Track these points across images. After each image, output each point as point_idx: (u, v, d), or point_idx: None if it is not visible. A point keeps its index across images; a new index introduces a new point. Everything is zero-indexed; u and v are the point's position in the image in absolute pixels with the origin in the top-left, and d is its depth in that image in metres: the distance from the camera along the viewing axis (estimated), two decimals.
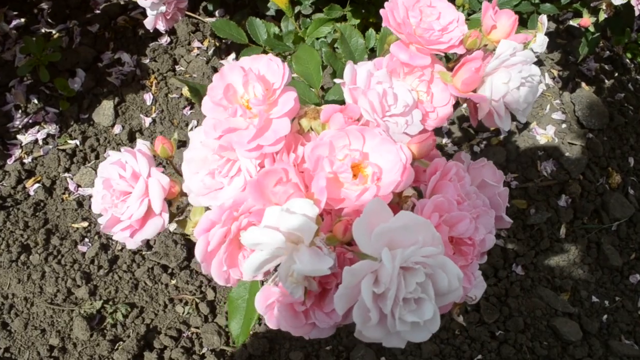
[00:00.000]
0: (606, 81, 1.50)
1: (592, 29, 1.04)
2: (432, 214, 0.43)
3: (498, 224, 0.56)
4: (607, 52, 1.54)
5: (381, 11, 0.55)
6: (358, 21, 1.16)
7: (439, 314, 0.38)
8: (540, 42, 0.95)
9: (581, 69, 1.48)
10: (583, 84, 1.47)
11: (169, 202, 0.56)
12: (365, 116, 0.50)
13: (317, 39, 0.87)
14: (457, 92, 0.53)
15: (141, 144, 0.56)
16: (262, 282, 0.54)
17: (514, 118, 0.57)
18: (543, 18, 0.96)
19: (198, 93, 0.66)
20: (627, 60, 1.56)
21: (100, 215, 0.56)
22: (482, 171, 0.58)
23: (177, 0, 1.02)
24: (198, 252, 0.48)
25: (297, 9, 1.23)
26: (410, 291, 0.37)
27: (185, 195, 0.55)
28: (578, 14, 1.14)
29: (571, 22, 1.08)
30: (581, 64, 1.48)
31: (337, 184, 0.46)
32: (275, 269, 0.44)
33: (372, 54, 1.16)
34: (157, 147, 0.56)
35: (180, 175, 0.56)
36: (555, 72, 1.48)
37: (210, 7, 1.40)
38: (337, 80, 0.59)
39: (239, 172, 0.51)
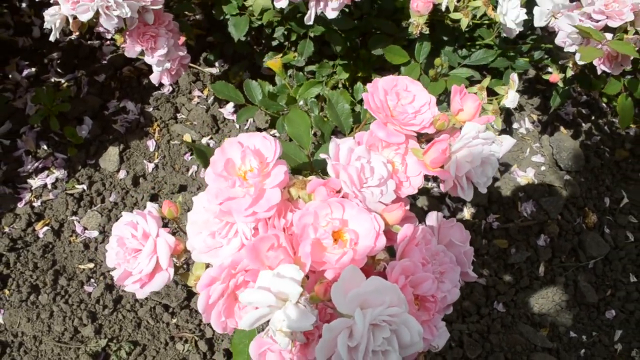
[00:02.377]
0: (583, 124, 1.59)
1: (561, 84, 1.13)
2: (399, 277, 0.51)
3: (464, 278, 0.64)
4: (584, 96, 1.63)
5: (363, 95, 0.64)
6: (347, 75, 1.26)
7: None
8: (511, 98, 1.04)
9: (559, 113, 1.57)
10: (561, 128, 1.56)
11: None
12: (344, 188, 0.58)
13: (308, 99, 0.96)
14: (426, 169, 0.61)
15: (150, 206, 0.64)
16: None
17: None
18: (514, 76, 1.06)
19: (203, 155, 0.74)
20: (603, 104, 1.65)
21: (113, 268, 0.63)
22: (450, 231, 0.67)
23: (181, 57, 1.12)
24: (200, 304, 0.56)
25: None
26: (378, 344, 0.44)
27: (189, 251, 0.63)
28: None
29: (543, 77, 1.17)
30: (559, 109, 1.57)
31: (320, 248, 0.54)
32: (267, 322, 0.51)
33: (360, 103, 1.25)
34: (165, 209, 0.64)
35: (184, 233, 0.64)
36: (535, 117, 1.57)
37: (211, 58, 1.49)
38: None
39: (236, 234, 0.59)
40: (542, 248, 1.35)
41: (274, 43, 1.34)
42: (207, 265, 0.61)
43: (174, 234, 0.63)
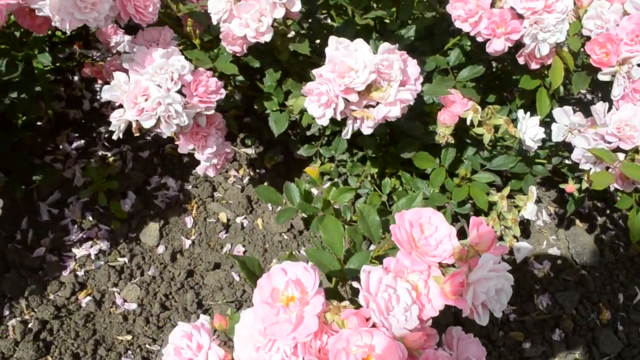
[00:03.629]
0: (598, 218, 1.65)
1: (576, 193, 1.21)
2: None
3: None
4: None
5: (391, 227, 0.73)
6: (376, 170, 1.35)
7: None
8: (530, 210, 1.12)
9: None
10: (577, 221, 1.63)
11: None
12: (373, 317, 0.66)
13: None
14: (445, 297, 0.69)
15: (203, 318, 0.73)
16: None
17: None
18: (533, 189, 1.14)
19: (246, 266, 0.83)
20: (618, 196, 1.71)
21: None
22: (468, 347, 0.74)
23: (226, 153, 1.22)
24: None
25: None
26: None
27: None
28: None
29: (560, 186, 1.25)
30: None
31: None
32: None
33: (388, 196, 1.34)
34: (216, 322, 0.72)
35: (232, 342, 0.72)
36: (552, 209, 1.64)
37: (248, 141, 1.60)
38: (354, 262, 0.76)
39: (277, 351, 0.67)
40: (557, 343, 1.40)
41: (309, 133, 1.45)
42: None
43: (224, 342, 0.72)
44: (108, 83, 1.13)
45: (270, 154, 1.54)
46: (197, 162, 1.37)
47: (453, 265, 0.75)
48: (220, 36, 1.18)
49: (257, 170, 1.60)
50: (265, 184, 1.57)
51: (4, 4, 0.91)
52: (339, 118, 0.96)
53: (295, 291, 0.65)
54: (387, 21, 1.13)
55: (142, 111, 1.02)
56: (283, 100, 1.31)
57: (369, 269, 0.71)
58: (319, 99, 0.95)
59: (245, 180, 1.59)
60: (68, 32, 1.00)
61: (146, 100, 1.02)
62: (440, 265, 0.73)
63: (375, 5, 1.21)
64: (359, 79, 0.91)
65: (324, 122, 0.98)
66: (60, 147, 1.65)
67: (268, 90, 1.31)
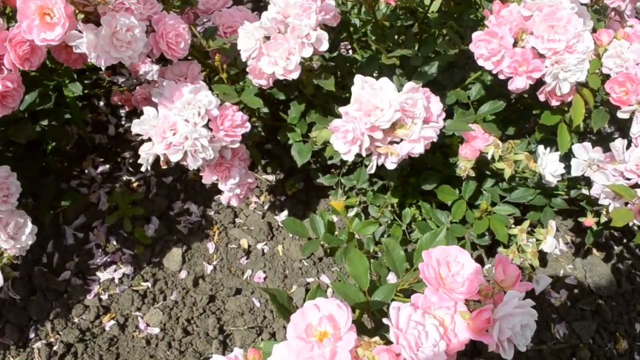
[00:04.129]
0: (615, 247, 1.67)
1: (594, 227, 1.22)
2: None
3: None
4: None
5: (419, 265, 0.75)
6: (397, 200, 1.38)
7: None
8: (549, 243, 1.14)
9: None
10: (594, 250, 1.64)
11: None
12: (403, 353, 0.68)
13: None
14: (471, 333, 0.72)
15: (237, 351, 0.75)
16: None
17: None
18: (552, 223, 1.16)
19: (276, 299, 0.86)
20: (636, 228, 1.73)
21: None
22: None
23: (249, 183, 1.26)
24: None
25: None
26: None
27: None
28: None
29: (579, 219, 1.27)
30: None
31: None
32: None
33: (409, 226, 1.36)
34: (249, 356, 0.75)
35: None
36: (569, 238, 1.66)
37: (269, 168, 1.64)
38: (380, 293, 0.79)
39: None
40: None
41: (330, 162, 1.48)
42: None
43: None
44: (135, 110, 1.17)
45: (292, 182, 1.57)
46: (219, 190, 1.40)
47: (479, 301, 0.77)
48: (247, 69, 1.22)
49: (278, 197, 1.64)
50: (286, 212, 1.60)
51: (45, 43, 0.95)
52: (364, 154, 0.99)
53: (328, 327, 0.68)
54: (409, 55, 1.16)
55: (170, 145, 1.06)
56: (306, 132, 1.34)
57: (398, 305, 0.73)
58: (345, 136, 0.98)
59: (266, 206, 1.62)
60: (103, 68, 1.04)
61: (174, 134, 1.06)
62: (466, 301, 0.76)
63: (398, 39, 1.24)
64: (385, 117, 0.94)
65: (349, 157, 1.01)
66: (86, 171, 1.69)
67: (291, 122, 1.35)
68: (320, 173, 1.50)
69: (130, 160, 1.72)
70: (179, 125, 1.05)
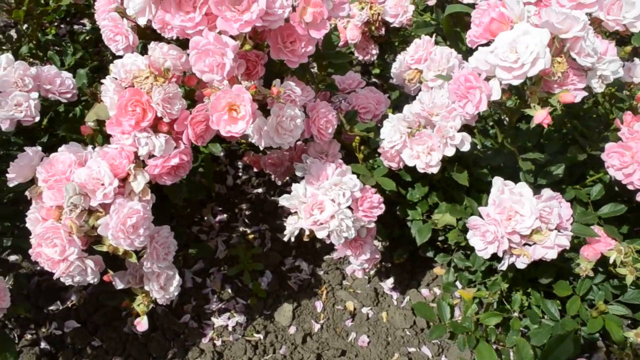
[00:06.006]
0: None
1: None
2: None
3: None
4: None
5: None
6: (506, 285, 1.43)
7: None
8: None
9: None
10: None
11: None
12: None
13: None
14: None
15: None
16: None
17: None
18: None
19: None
20: None
21: None
22: None
23: (375, 258, 1.34)
24: None
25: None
26: None
27: None
28: None
29: None
30: None
31: None
32: None
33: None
34: None
35: None
36: None
37: (378, 237, 1.72)
38: None
39: None
40: None
41: (441, 238, 1.55)
42: None
43: None
44: (261, 170, 1.29)
45: (400, 252, 1.65)
46: (329, 247, 1.49)
47: None
48: (379, 150, 1.32)
49: (384, 264, 1.72)
50: (392, 279, 1.68)
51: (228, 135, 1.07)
52: (500, 255, 1.06)
53: None
54: (541, 159, 1.23)
55: (317, 223, 1.16)
56: (427, 210, 1.42)
57: None
58: (484, 236, 1.06)
59: (372, 272, 1.70)
60: (261, 148, 1.16)
61: (321, 212, 1.16)
62: None
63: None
64: (525, 224, 1.01)
65: (485, 255, 1.08)
66: (205, 218, 1.83)
67: (411, 199, 1.43)
68: (430, 248, 1.57)
69: (247, 212, 1.85)
70: (326, 204, 1.15)
